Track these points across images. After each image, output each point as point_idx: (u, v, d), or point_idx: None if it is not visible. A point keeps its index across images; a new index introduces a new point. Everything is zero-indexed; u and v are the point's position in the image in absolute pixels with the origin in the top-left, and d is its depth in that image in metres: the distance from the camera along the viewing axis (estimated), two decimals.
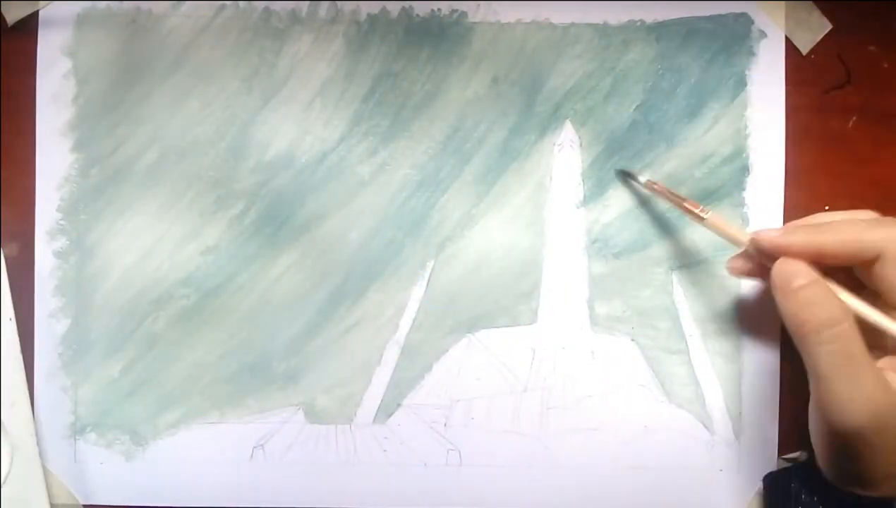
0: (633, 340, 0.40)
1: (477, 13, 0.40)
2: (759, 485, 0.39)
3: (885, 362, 0.32)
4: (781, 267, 0.32)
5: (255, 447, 0.40)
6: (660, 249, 0.40)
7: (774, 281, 0.32)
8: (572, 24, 0.40)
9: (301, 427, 0.40)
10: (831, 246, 0.32)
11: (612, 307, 0.40)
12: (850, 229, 0.32)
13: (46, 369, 0.40)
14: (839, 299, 0.31)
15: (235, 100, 0.40)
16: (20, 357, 0.39)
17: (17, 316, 0.40)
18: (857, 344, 0.29)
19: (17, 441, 0.38)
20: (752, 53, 0.40)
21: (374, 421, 0.40)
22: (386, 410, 0.40)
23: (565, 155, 0.40)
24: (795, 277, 0.31)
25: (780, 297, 0.31)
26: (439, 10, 0.40)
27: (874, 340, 0.31)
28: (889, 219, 0.33)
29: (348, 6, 0.40)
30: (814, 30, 0.40)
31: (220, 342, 0.40)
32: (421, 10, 0.40)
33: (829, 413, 0.30)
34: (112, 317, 0.40)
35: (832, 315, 0.30)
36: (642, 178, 0.38)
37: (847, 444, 0.30)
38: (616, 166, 0.40)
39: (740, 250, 0.36)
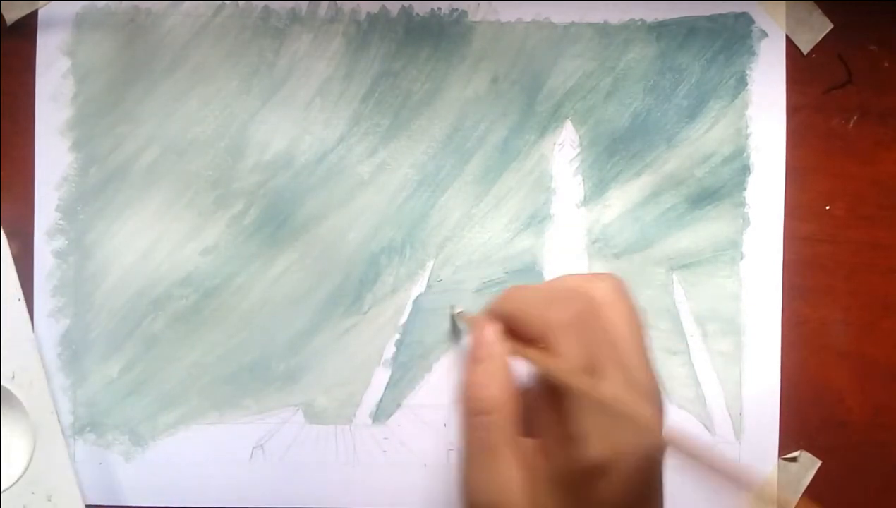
0: None
1: (477, 12, 0.40)
2: (760, 485, 0.39)
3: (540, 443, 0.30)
4: (472, 335, 0.31)
5: (254, 447, 0.40)
6: (660, 249, 0.40)
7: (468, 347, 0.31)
8: (572, 24, 0.40)
9: (300, 428, 0.40)
10: (513, 322, 0.30)
11: None
12: (524, 306, 0.30)
13: (46, 369, 0.40)
14: (507, 383, 0.29)
15: (234, 100, 0.40)
16: (33, 337, 0.39)
17: None
18: (502, 435, 0.28)
19: (39, 421, 0.38)
20: (752, 53, 0.40)
21: (373, 421, 0.40)
22: (386, 410, 0.40)
23: (565, 155, 0.40)
24: (476, 347, 0.30)
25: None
26: (439, 9, 0.40)
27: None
28: (568, 294, 0.30)
29: (348, 6, 0.40)
30: (814, 29, 0.40)
31: (219, 342, 0.40)
32: (421, 9, 0.40)
33: (461, 488, 0.29)
34: (111, 317, 0.40)
35: (487, 402, 0.29)
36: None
37: None
38: (617, 165, 0.40)
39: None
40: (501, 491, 0.28)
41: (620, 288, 0.29)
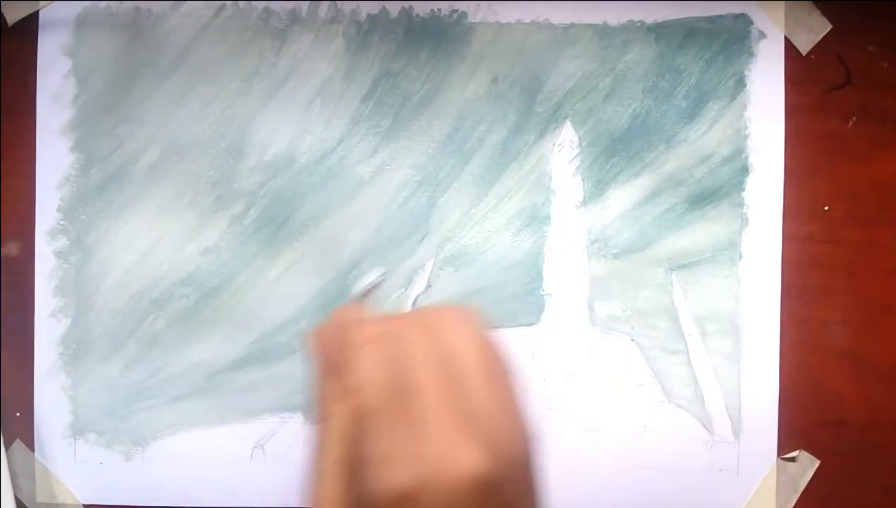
0: (632, 340, 0.40)
1: (477, 13, 0.40)
2: (759, 485, 0.39)
3: None
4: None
5: (254, 447, 0.40)
6: (659, 249, 0.40)
7: None
8: (572, 25, 0.40)
9: (301, 428, 0.40)
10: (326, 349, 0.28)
11: (612, 307, 0.40)
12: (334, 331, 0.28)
13: (46, 369, 0.40)
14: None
15: (235, 101, 0.40)
16: None
17: (17, 316, 0.40)
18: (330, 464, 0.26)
19: None
20: (751, 54, 0.40)
21: None
22: None
23: (565, 155, 0.40)
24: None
25: None
26: (439, 10, 0.40)
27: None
28: (391, 316, 0.28)
29: (348, 6, 0.40)
30: (813, 30, 0.40)
31: (219, 342, 0.40)
32: (421, 10, 0.40)
33: None
34: (112, 317, 0.40)
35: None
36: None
37: None
38: (616, 166, 0.40)
39: None
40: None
41: (468, 316, 0.27)
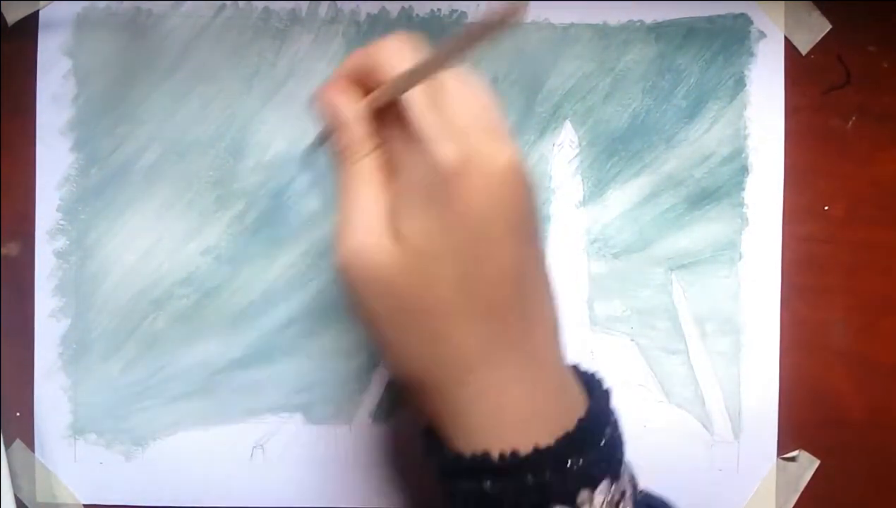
0: (632, 340, 0.40)
1: (477, 13, 0.40)
2: (759, 485, 0.39)
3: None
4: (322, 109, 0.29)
5: (254, 447, 0.40)
6: (659, 249, 0.40)
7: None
8: (572, 25, 0.40)
9: (300, 428, 0.40)
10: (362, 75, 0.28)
11: (612, 307, 0.40)
12: (368, 58, 0.28)
13: (46, 369, 0.40)
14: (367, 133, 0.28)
15: (235, 101, 0.40)
16: None
17: (17, 316, 0.40)
18: (366, 173, 0.27)
19: None
20: (751, 54, 0.40)
21: (373, 421, 0.40)
22: (385, 410, 0.40)
23: (565, 155, 0.40)
24: (330, 119, 0.28)
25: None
26: (439, 10, 0.40)
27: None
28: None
29: (348, 6, 0.40)
30: (813, 30, 0.40)
31: (219, 342, 0.40)
32: (421, 10, 0.40)
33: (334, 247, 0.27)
34: (112, 317, 0.40)
35: (356, 150, 0.27)
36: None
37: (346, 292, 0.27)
38: (616, 166, 0.40)
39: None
40: (364, 232, 0.26)
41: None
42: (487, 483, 0.26)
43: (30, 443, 0.40)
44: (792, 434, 0.40)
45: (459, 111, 0.26)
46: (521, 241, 0.26)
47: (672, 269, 0.40)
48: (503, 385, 0.26)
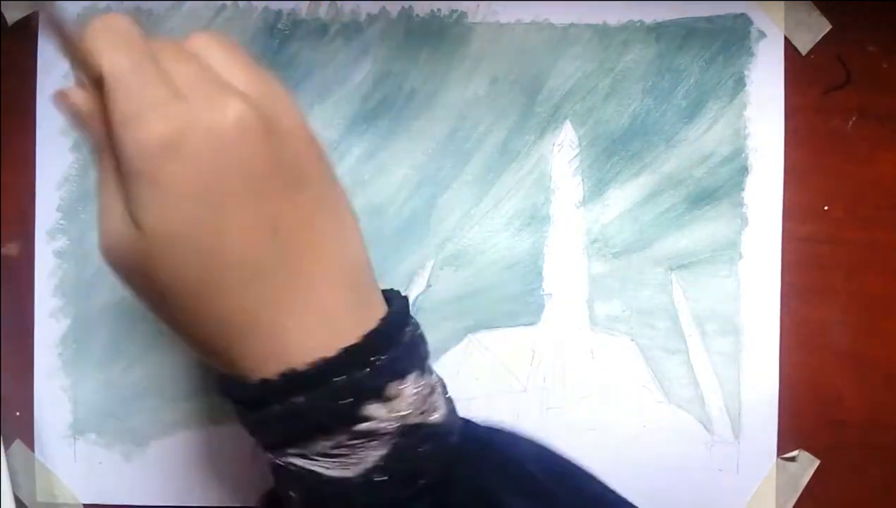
0: (632, 340, 0.40)
1: (477, 13, 0.40)
2: (759, 485, 0.39)
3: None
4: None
5: (254, 447, 0.40)
6: (659, 249, 0.40)
7: None
8: (572, 25, 0.40)
9: None
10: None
11: (612, 307, 0.40)
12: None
13: (46, 369, 0.40)
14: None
15: None
16: None
17: (17, 316, 0.40)
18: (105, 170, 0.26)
19: None
20: (751, 54, 0.40)
21: None
22: None
23: (565, 155, 0.40)
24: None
25: None
26: (439, 10, 0.40)
27: None
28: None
29: (348, 6, 0.40)
30: (813, 30, 0.40)
31: None
32: (421, 10, 0.40)
33: None
34: (112, 317, 0.40)
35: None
36: None
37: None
38: (616, 166, 0.40)
39: None
40: (111, 224, 0.26)
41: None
42: (300, 399, 0.25)
43: (30, 443, 0.40)
44: (792, 435, 0.40)
45: (178, 79, 0.25)
46: (269, 195, 0.25)
47: (672, 269, 0.40)
48: (292, 328, 0.25)
